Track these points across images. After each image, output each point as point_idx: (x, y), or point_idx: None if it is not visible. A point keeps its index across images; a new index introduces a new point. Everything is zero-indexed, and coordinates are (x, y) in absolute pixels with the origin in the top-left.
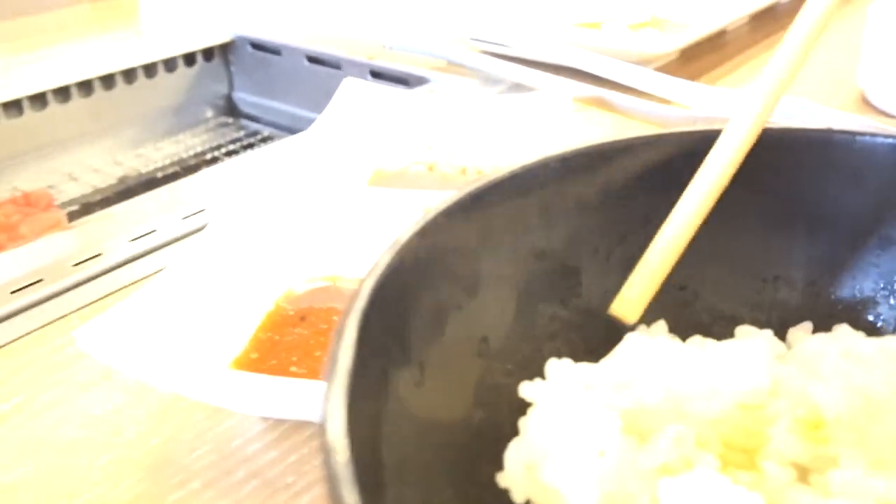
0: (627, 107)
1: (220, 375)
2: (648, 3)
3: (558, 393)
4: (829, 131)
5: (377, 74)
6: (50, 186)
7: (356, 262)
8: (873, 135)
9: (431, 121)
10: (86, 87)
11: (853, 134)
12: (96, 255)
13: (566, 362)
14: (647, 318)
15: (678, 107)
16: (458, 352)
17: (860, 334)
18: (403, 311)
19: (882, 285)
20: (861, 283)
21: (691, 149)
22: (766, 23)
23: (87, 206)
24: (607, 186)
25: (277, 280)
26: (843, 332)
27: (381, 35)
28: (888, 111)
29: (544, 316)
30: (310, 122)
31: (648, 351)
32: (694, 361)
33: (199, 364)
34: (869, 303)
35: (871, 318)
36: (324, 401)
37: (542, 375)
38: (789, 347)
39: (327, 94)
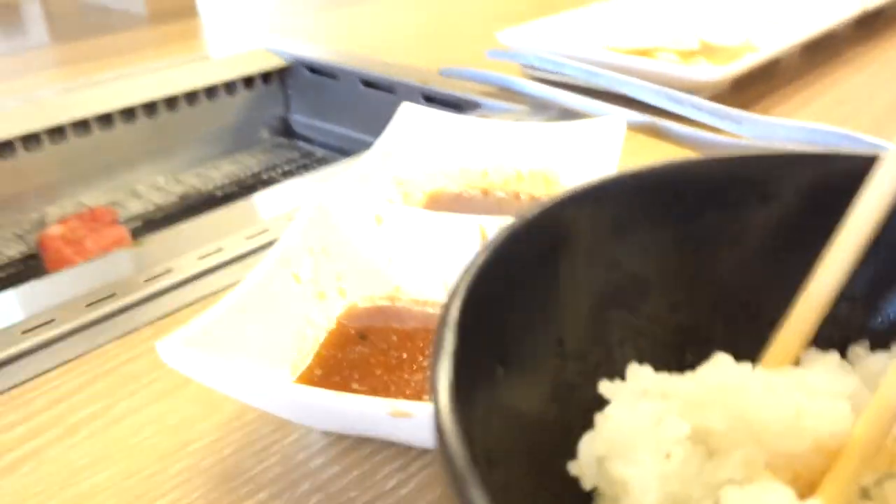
0: (679, 135)
1: (289, 390)
2: (697, 30)
3: (635, 395)
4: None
5: (430, 99)
6: (114, 203)
7: (414, 283)
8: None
9: (487, 146)
10: (150, 108)
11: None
12: (167, 272)
13: (647, 369)
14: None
15: (729, 136)
16: (538, 351)
17: None
18: (494, 311)
19: None
20: None
21: (747, 173)
22: (820, 52)
23: (148, 223)
24: (675, 204)
25: (340, 298)
26: None
27: (435, 61)
28: None
29: (614, 322)
30: (363, 143)
31: (731, 373)
32: (775, 392)
33: (268, 378)
34: None
35: None
36: (433, 389)
37: (610, 377)
38: (851, 364)
39: (381, 118)
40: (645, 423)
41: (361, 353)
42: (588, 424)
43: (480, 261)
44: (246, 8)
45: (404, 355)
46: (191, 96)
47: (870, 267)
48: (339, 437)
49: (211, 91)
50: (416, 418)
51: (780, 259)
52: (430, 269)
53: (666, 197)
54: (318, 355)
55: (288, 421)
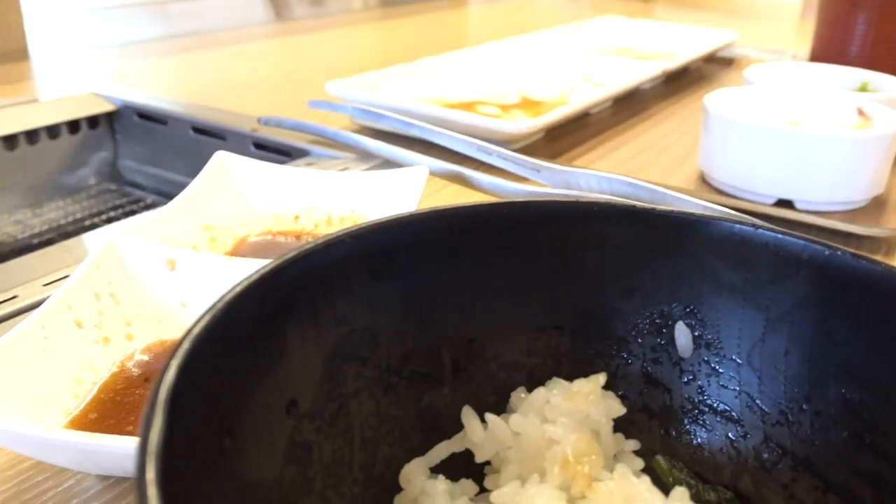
0: (483, 184)
1: (48, 435)
2: (520, 85)
3: None
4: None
5: (260, 146)
6: None
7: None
8: (604, 203)
9: (298, 193)
10: None
11: (592, 204)
12: None
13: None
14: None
15: (533, 184)
16: (270, 415)
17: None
18: (214, 382)
19: (629, 327)
20: (613, 325)
21: (461, 226)
22: (628, 107)
23: None
24: (395, 259)
25: (126, 342)
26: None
27: (266, 110)
28: (723, 189)
29: (348, 375)
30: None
31: None
32: None
33: (33, 424)
34: (621, 343)
35: (624, 354)
36: (137, 475)
37: (346, 429)
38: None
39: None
40: None
41: (142, 395)
42: (329, 481)
43: (195, 333)
44: (77, 53)
45: None
46: (9, 140)
47: (576, 301)
48: (117, 481)
49: (32, 135)
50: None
51: (497, 297)
52: None
53: (385, 252)
54: (96, 399)
55: (61, 470)
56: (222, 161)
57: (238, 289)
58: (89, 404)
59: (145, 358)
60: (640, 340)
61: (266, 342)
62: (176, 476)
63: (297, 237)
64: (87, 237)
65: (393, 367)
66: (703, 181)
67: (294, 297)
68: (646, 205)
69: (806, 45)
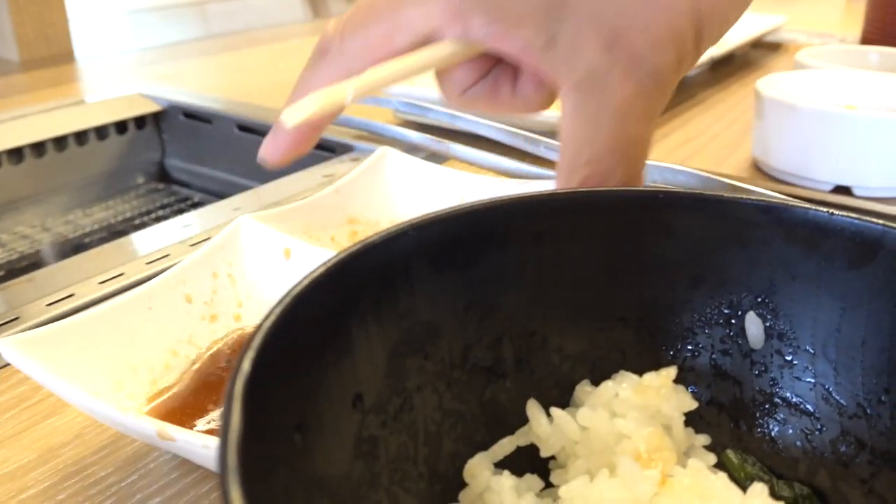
0: (535, 175)
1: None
2: None
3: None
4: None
5: None
6: None
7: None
8: (672, 191)
9: (453, 195)
10: (16, 154)
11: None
12: (13, 319)
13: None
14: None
15: None
16: (336, 411)
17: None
18: (286, 379)
19: (697, 318)
20: (680, 316)
21: (519, 215)
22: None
23: (12, 272)
24: (456, 250)
25: (234, 322)
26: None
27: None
28: (778, 176)
29: (411, 370)
30: (240, 187)
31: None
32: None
33: (116, 391)
34: (688, 335)
35: (691, 346)
36: (219, 468)
37: (410, 424)
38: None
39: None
40: None
41: (223, 377)
42: (395, 476)
43: (266, 328)
44: (120, 55)
45: None
46: (59, 141)
47: (642, 293)
48: (180, 476)
49: (81, 136)
50: (178, 443)
51: (559, 288)
52: None
53: (447, 244)
54: (186, 373)
55: (125, 465)
56: (384, 155)
57: (305, 282)
58: (177, 377)
59: (242, 342)
60: (708, 331)
61: (331, 336)
62: (255, 471)
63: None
64: (137, 236)
65: (455, 360)
66: (757, 169)
67: (357, 291)
68: (714, 191)
69: (854, 28)
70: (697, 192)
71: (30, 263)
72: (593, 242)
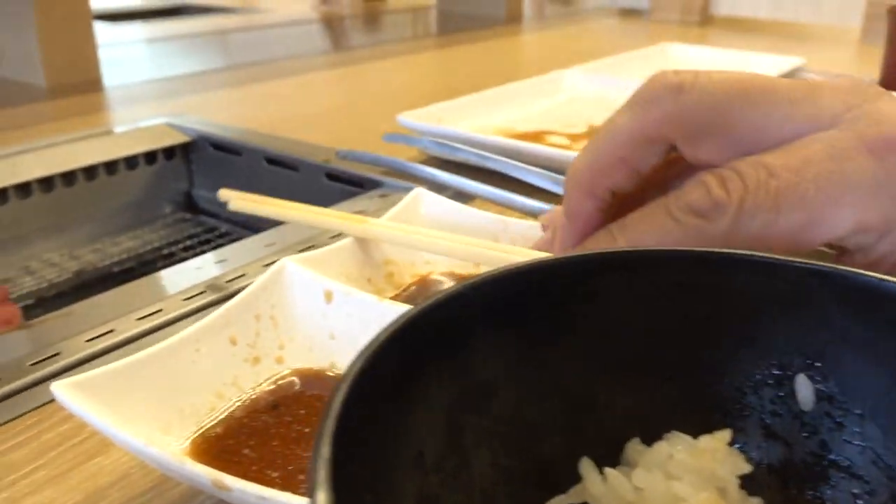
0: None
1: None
2: (585, 115)
3: None
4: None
5: (333, 177)
6: (5, 280)
7: (348, 361)
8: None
9: (488, 238)
10: (47, 183)
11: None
12: (55, 355)
13: None
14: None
15: None
16: (402, 470)
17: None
18: (361, 439)
19: (746, 379)
20: (730, 377)
21: (573, 273)
22: None
23: (41, 301)
24: (513, 307)
25: (276, 365)
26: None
27: (336, 140)
28: None
29: (467, 427)
30: (267, 219)
31: None
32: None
33: (164, 434)
34: (738, 395)
35: (740, 407)
36: None
37: (468, 482)
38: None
39: (284, 194)
40: None
41: (266, 421)
42: None
43: (344, 389)
44: (147, 83)
45: (306, 430)
46: (89, 171)
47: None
48: None
49: (111, 166)
50: (234, 493)
51: (610, 345)
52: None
53: (503, 303)
54: (229, 416)
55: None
56: (418, 197)
57: (367, 353)
58: (220, 421)
59: (290, 385)
60: (757, 392)
61: (397, 399)
62: None
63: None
64: (173, 271)
65: (507, 417)
66: None
67: (419, 353)
68: (766, 254)
69: (871, 69)
70: (749, 253)
71: (58, 292)
72: (644, 301)
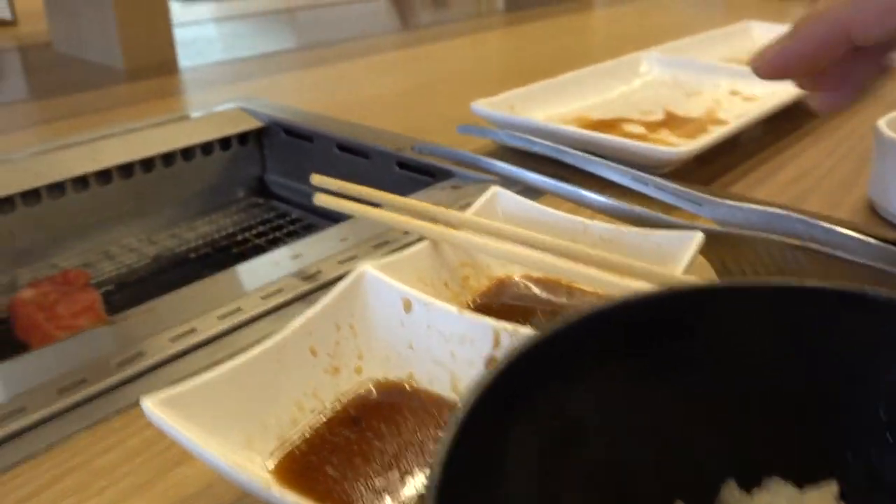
0: (639, 216)
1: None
2: (660, 101)
3: None
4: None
5: (404, 166)
6: (86, 265)
7: (426, 373)
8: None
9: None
10: (126, 169)
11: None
12: (138, 355)
13: None
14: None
15: (686, 218)
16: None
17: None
18: (461, 483)
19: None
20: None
21: (670, 310)
22: (780, 124)
23: (121, 286)
24: (610, 346)
25: (355, 375)
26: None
27: (409, 128)
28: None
29: (559, 469)
30: None
31: None
32: None
33: (247, 449)
34: (843, 436)
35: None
36: None
37: None
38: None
39: (355, 180)
40: None
41: (348, 437)
42: None
43: (448, 442)
44: (219, 64)
45: (387, 448)
46: (167, 157)
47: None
48: None
49: (188, 152)
50: None
51: (707, 382)
52: (442, 364)
53: (601, 342)
54: (310, 430)
55: None
56: (495, 196)
57: (471, 399)
58: (301, 434)
59: (363, 397)
60: (864, 437)
61: (491, 443)
62: None
63: (549, 286)
64: (250, 266)
65: (600, 457)
66: (873, 211)
67: (517, 393)
68: (877, 290)
69: None
70: (860, 290)
71: (138, 277)
72: (747, 336)
